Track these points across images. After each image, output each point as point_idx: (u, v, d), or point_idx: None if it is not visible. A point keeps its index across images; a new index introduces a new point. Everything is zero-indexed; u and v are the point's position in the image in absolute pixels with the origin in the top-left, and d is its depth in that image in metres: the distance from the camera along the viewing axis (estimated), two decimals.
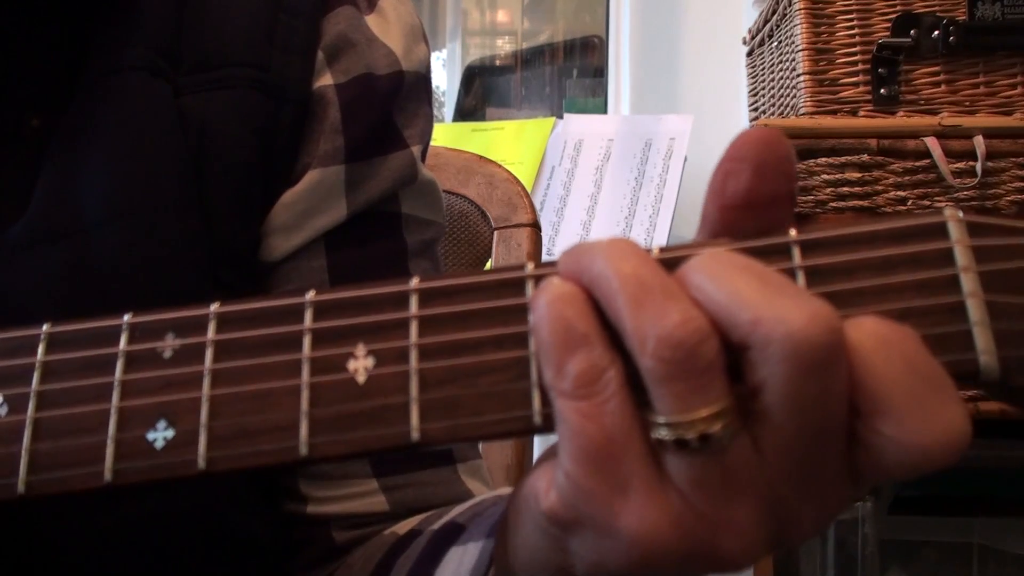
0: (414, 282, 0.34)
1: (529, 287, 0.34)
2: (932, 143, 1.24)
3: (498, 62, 2.59)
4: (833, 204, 1.24)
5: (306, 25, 0.61)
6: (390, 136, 0.63)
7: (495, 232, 1.00)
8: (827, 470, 0.31)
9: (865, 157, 1.25)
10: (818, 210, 1.24)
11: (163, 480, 0.34)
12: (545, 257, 1.16)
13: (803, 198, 1.24)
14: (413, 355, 0.33)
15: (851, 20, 1.31)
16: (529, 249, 0.99)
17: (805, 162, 1.25)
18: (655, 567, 0.31)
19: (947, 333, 0.31)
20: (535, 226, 1.00)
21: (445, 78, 2.66)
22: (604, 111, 2.15)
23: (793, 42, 1.35)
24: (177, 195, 0.55)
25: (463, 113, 2.48)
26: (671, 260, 0.33)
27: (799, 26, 1.32)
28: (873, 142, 1.25)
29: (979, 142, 1.23)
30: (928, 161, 1.25)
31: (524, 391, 0.33)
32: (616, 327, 0.31)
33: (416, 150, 0.64)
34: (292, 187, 0.60)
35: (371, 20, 0.64)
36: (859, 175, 1.25)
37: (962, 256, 0.32)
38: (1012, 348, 0.31)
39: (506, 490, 0.59)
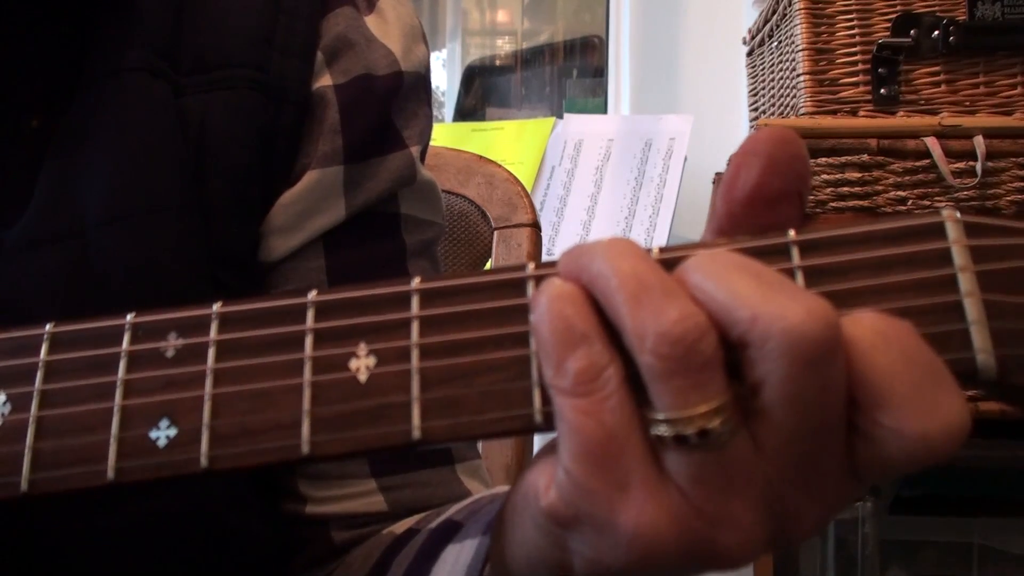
0: (415, 282, 0.34)
1: (530, 287, 0.34)
2: (932, 143, 1.24)
3: (498, 62, 2.59)
4: (833, 204, 1.25)
5: (305, 26, 0.61)
6: (389, 137, 0.63)
7: (495, 232, 1.00)
8: (827, 466, 0.31)
9: (865, 157, 1.25)
10: (818, 210, 1.25)
11: (166, 478, 0.34)
12: (545, 257, 1.16)
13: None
14: (414, 354, 0.33)
15: (851, 20, 1.31)
16: (529, 249, 0.99)
17: None
18: (654, 564, 0.31)
19: (945, 332, 0.31)
20: (535, 226, 1.00)
21: (445, 78, 2.66)
22: (604, 111, 2.15)
23: (793, 42, 1.35)
24: (176, 196, 0.55)
25: (463, 113, 2.48)
26: (671, 260, 0.33)
27: (799, 26, 1.32)
28: (873, 142, 1.25)
29: (979, 142, 1.23)
30: (928, 161, 1.25)
31: (525, 390, 0.33)
32: (615, 325, 0.32)
33: (415, 151, 0.64)
34: (291, 188, 0.60)
35: (370, 21, 0.64)
36: (859, 175, 1.25)
37: (959, 256, 0.32)
38: (1009, 347, 0.31)
39: (504, 488, 0.59)
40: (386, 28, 0.64)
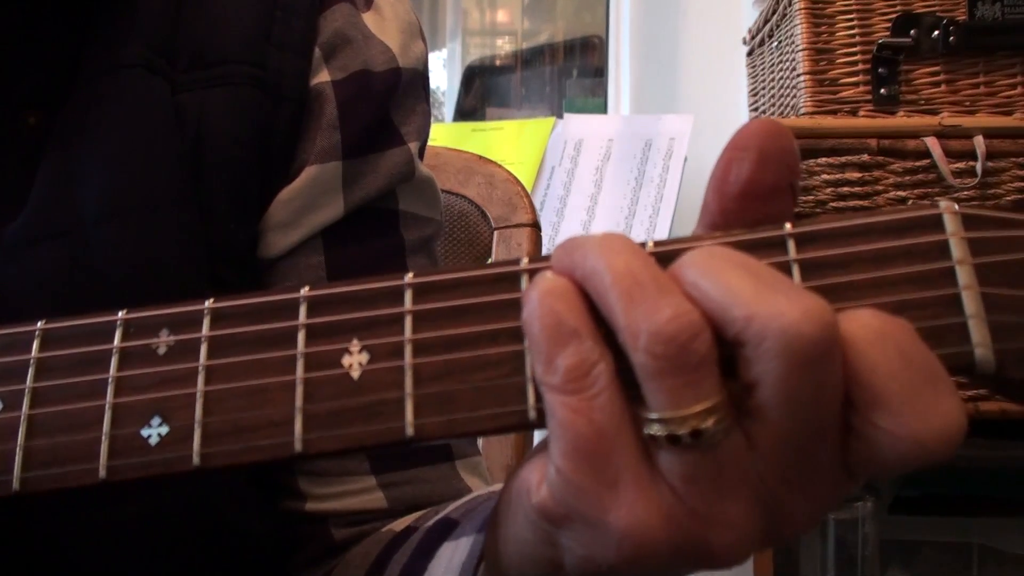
0: (408, 277, 0.34)
1: (524, 281, 0.34)
2: (932, 143, 1.24)
3: (498, 62, 2.59)
4: (833, 204, 1.24)
5: (303, 22, 0.61)
6: (387, 133, 0.63)
7: (495, 232, 1.00)
8: (821, 465, 0.31)
9: (865, 157, 1.25)
10: (818, 210, 1.24)
11: (158, 476, 0.34)
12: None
13: (803, 198, 1.24)
14: (407, 350, 0.33)
15: (851, 20, 1.31)
16: (529, 249, 0.99)
17: (805, 162, 1.24)
18: (645, 562, 0.31)
19: (943, 326, 0.31)
20: (535, 226, 1.00)
21: (445, 78, 2.66)
22: (604, 111, 2.15)
23: (793, 42, 1.35)
24: (175, 192, 0.55)
25: (463, 113, 2.48)
26: (666, 255, 0.33)
27: (799, 26, 1.32)
28: (873, 142, 1.25)
29: (979, 142, 1.23)
30: (928, 161, 1.25)
31: (519, 386, 0.33)
32: (609, 322, 0.31)
33: (413, 147, 0.64)
34: (289, 184, 0.60)
35: (368, 17, 0.64)
36: (859, 175, 1.25)
37: (957, 249, 0.32)
38: (1008, 341, 0.31)
39: (500, 486, 0.59)
40: (384, 25, 0.64)
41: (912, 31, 1.29)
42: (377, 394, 0.33)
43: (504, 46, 2.69)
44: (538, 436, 0.95)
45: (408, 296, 0.34)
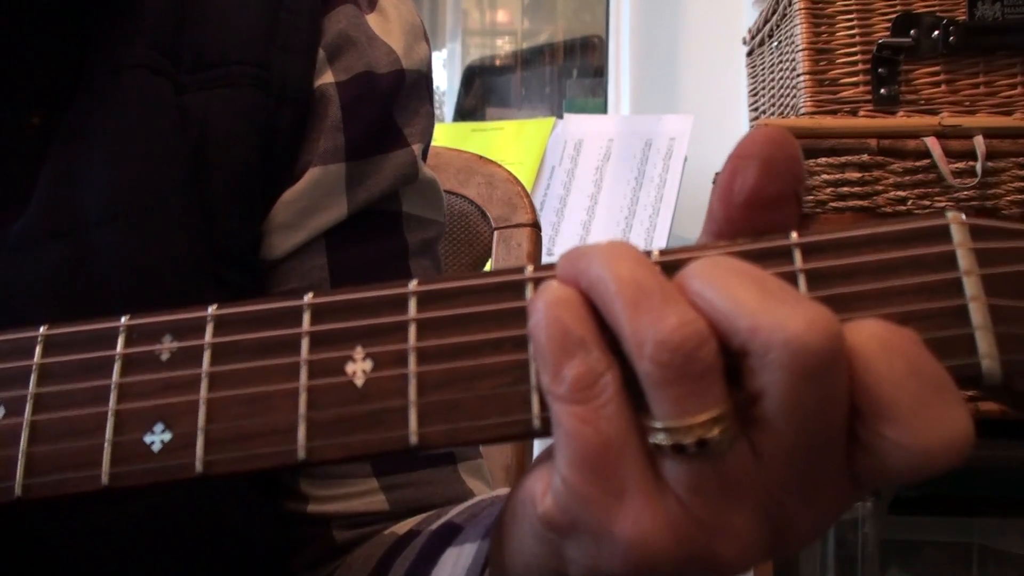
0: (412, 284, 0.34)
1: (528, 290, 0.33)
2: (932, 143, 1.24)
3: (498, 62, 2.59)
4: (833, 204, 1.24)
5: (307, 23, 0.61)
6: (391, 134, 0.63)
7: (495, 232, 1.00)
8: (826, 475, 0.31)
9: (865, 157, 1.25)
10: (818, 210, 1.24)
11: (160, 483, 0.34)
12: (545, 257, 1.16)
13: (803, 198, 1.24)
14: (412, 358, 0.33)
15: (851, 20, 1.31)
16: (529, 249, 0.99)
17: (805, 162, 1.24)
18: (651, 572, 0.31)
19: (949, 337, 0.31)
20: (535, 226, 1.00)
21: (445, 78, 2.66)
22: (604, 111, 2.15)
23: (793, 42, 1.35)
24: (178, 193, 0.55)
25: (463, 113, 2.48)
26: (671, 263, 0.33)
27: (799, 26, 1.32)
28: (873, 142, 1.25)
29: (979, 142, 1.23)
30: (928, 161, 1.24)
31: (523, 395, 0.32)
32: (614, 331, 0.31)
33: (417, 148, 0.64)
34: (293, 185, 0.60)
35: (372, 19, 0.64)
36: (859, 175, 1.25)
37: (964, 259, 0.31)
38: (1015, 352, 0.31)
39: (505, 491, 0.59)
40: (388, 26, 0.64)
41: (912, 31, 1.29)
42: (381, 402, 0.33)
43: (504, 46, 2.69)
44: (539, 441, 0.95)
45: (412, 304, 0.34)
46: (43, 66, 0.57)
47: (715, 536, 0.31)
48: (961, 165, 1.24)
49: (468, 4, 2.72)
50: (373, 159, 0.62)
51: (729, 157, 0.34)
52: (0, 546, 0.50)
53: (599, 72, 2.31)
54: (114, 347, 0.35)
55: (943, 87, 1.30)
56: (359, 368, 0.33)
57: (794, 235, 0.33)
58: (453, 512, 0.55)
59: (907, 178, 1.25)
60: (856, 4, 1.30)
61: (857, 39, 1.31)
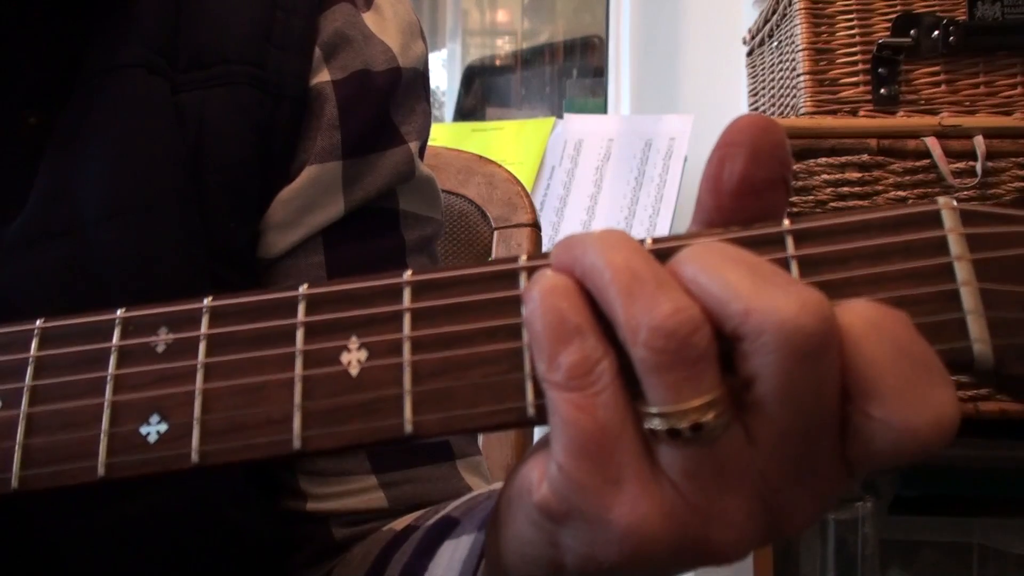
0: (407, 275, 0.34)
1: (522, 279, 0.34)
2: (932, 143, 1.24)
3: (498, 62, 2.59)
4: (833, 204, 1.24)
5: (303, 22, 0.61)
6: (387, 132, 0.63)
7: (495, 232, 1.00)
8: (820, 459, 0.31)
9: (865, 157, 1.25)
10: (818, 210, 1.24)
11: (156, 474, 0.34)
12: None
13: (803, 198, 1.24)
14: (406, 347, 0.33)
15: (851, 20, 1.31)
16: (529, 249, 0.99)
17: (805, 162, 1.24)
18: (646, 560, 0.31)
19: (941, 321, 0.31)
20: (535, 226, 1.00)
21: (445, 78, 2.66)
22: (604, 111, 2.15)
23: (793, 42, 1.35)
24: (175, 192, 0.55)
25: (463, 113, 2.48)
26: (665, 251, 0.33)
27: (799, 26, 1.32)
28: (873, 142, 1.25)
29: (979, 142, 1.23)
30: (928, 161, 1.24)
31: (517, 382, 0.33)
32: (609, 318, 0.31)
33: (413, 146, 0.64)
34: (290, 183, 0.60)
35: (368, 17, 0.64)
36: (859, 175, 1.25)
37: (956, 244, 0.32)
38: (1006, 336, 0.31)
39: (500, 485, 0.59)
40: (384, 24, 0.64)
41: (912, 31, 1.29)
42: (376, 391, 0.33)
43: (504, 46, 2.69)
44: (538, 434, 0.95)
45: (407, 294, 0.34)
46: (40, 65, 0.57)
47: (710, 522, 0.31)
48: (961, 165, 1.24)
49: (468, 4, 2.72)
50: (370, 157, 0.62)
51: (716, 146, 0.34)
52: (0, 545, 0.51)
53: (599, 72, 2.31)
54: (110, 339, 0.35)
55: (943, 87, 1.30)
56: (354, 358, 0.33)
57: (786, 222, 0.33)
58: (451, 507, 0.55)
59: (907, 178, 1.25)
60: (856, 4, 1.30)
61: (857, 39, 1.31)
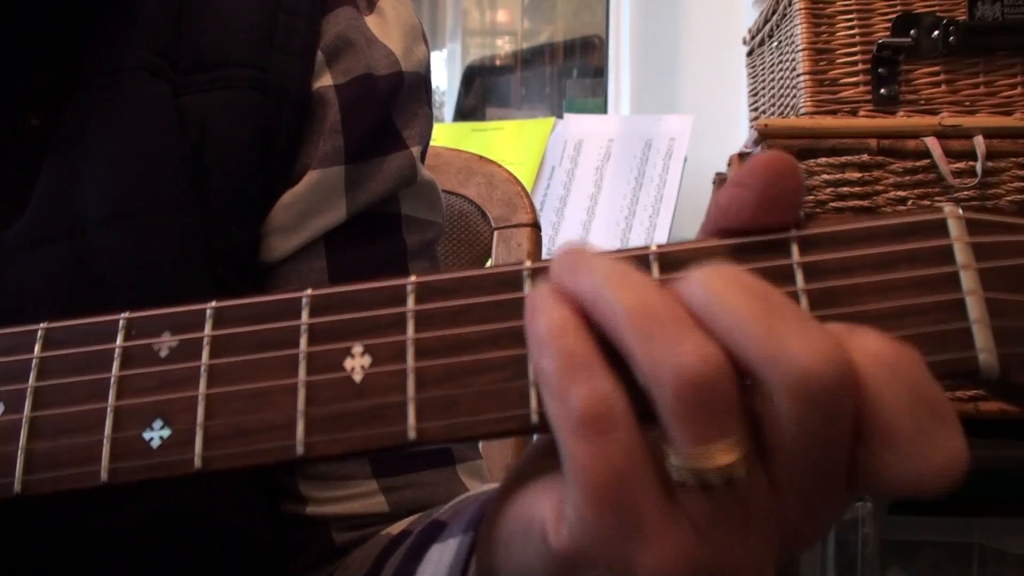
0: (411, 279, 0.34)
1: (527, 284, 0.33)
2: (932, 143, 1.24)
3: (498, 62, 2.59)
4: (833, 204, 1.24)
5: (306, 25, 0.61)
6: (390, 137, 0.63)
7: (495, 232, 1.00)
8: (830, 491, 0.31)
9: (865, 157, 1.25)
10: (818, 210, 1.24)
11: (159, 479, 0.34)
12: (545, 257, 1.16)
13: (803, 198, 1.24)
14: (410, 353, 0.33)
15: (851, 20, 1.31)
16: (529, 249, 0.99)
17: (805, 162, 1.24)
18: None
19: (946, 331, 0.31)
20: (535, 226, 1.00)
21: (445, 78, 2.65)
22: (604, 111, 2.15)
23: (793, 42, 1.35)
24: (177, 195, 0.55)
25: (463, 113, 2.48)
26: (671, 261, 0.33)
27: (799, 26, 1.31)
28: (873, 142, 1.25)
29: (979, 142, 1.23)
30: (928, 161, 1.24)
31: (521, 390, 0.32)
32: (624, 357, 0.31)
33: (416, 151, 0.64)
34: (292, 188, 0.60)
35: (371, 21, 0.64)
36: (859, 175, 1.25)
37: (961, 253, 0.31)
38: (1012, 346, 0.31)
39: (491, 487, 0.59)
40: (386, 28, 0.64)
41: (912, 31, 1.29)
42: (379, 397, 0.33)
43: (504, 46, 2.68)
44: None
45: (410, 298, 0.34)
46: (42, 67, 0.57)
47: (731, 560, 0.31)
48: (961, 165, 1.24)
49: (468, 4, 2.71)
50: (372, 162, 0.61)
51: (728, 181, 0.33)
52: (0, 547, 0.50)
53: (599, 72, 2.31)
54: (113, 342, 0.35)
55: (943, 87, 1.29)
56: (358, 364, 0.33)
57: (792, 229, 0.33)
58: (440, 511, 0.55)
59: (907, 178, 1.25)
60: (856, 4, 1.30)
61: (857, 39, 1.30)
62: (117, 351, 0.35)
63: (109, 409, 0.34)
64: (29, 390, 0.36)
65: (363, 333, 0.34)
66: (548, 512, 0.32)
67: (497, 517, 0.36)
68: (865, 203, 1.24)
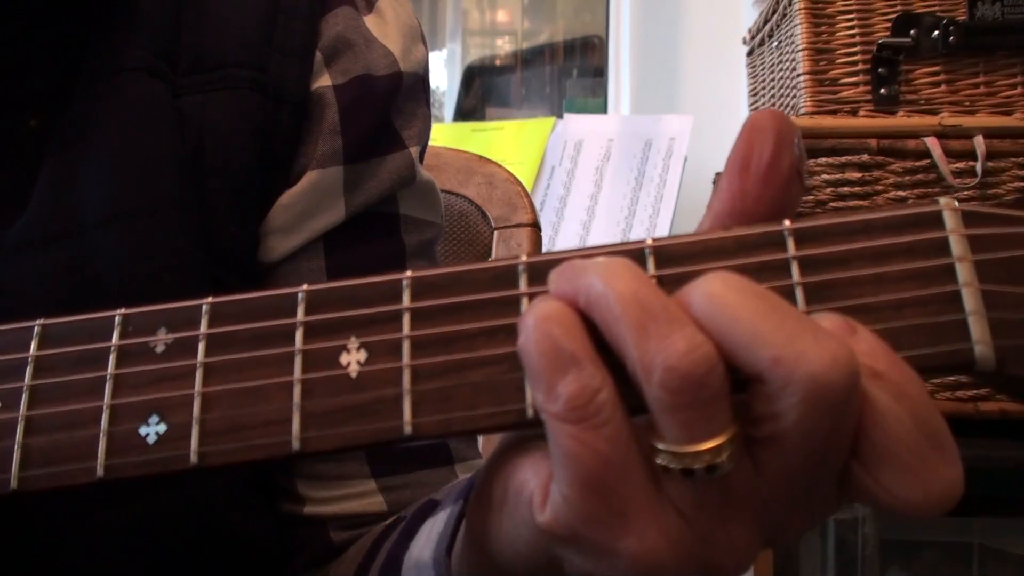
0: (407, 274, 0.34)
1: (522, 279, 0.33)
2: (932, 143, 1.24)
3: (498, 62, 2.59)
4: (833, 204, 1.24)
5: (304, 26, 0.61)
6: (388, 137, 0.63)
7: (495, 232, 1.00)
8: (821, 491, 0.32)
9: (865, 157, 1.25)
10: (818, 210, 1.24)
11: (155, 475, 0.34)
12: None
13: (803, 198, 1.24)
14: (405, 348, 0.33)
15: (851, 20, 1.31)
16: (529, 249, 0.99)
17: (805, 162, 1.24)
18: None
19: (942, 323, 0.31)
20: (535, 226, 1.00)
21: (445, 78, 2.65)
22: (604, 111, 2.15)
23: (793, 42, 1.35)
24: (175, 196, 0.55)
25: (463, 113, 2.48)
26: (666, 254, 0.33)
27: (799, 26, 1.32)
28: (873, 142, 1.25)
29: (979, 142, 1.23)
30: (928, 161, 1.24)
31: (517, 384, 0.32)
32: (617, 352, 0.31)
33: (414, 151, 0.64)
34: (290, 188, 0.60)
35: (369, 21, 0.64)
36: (859, 175, 1.25)
37: (957, 245, 0.31)
38: (1008, 337, 0.31)
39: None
40: (385, 28, 0.64)
41: (912, 31, 1.29)
42: (375, 392, 0.33)
43: (504, 46, 2.68)
44: None
45: (406, 293, 0.34)
46: (41, 68, 0.57)
47: (715, 547, 0.31)
48: (961, 165, 1.24)
49: (468, 4, 2.71)
50: (371, 162, 0.61)
51: (741, 133, 0.34)
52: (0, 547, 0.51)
53: (599, 72, 2.31)
54: (109, 339, 0.35)
55: (943, 87, 1.30)
56: (353, 358, 0.33)
57: (787, 222, 0.33)
58: (436, 493, 0.55)
59: (907, 178, 1.25)
60: (856, 4, 1.30)
61: (857, 39, 1.30)
62: (113, 348, 0.35)
63: (105, 405, 0.35)
64: (25, 387, 0.36)
65: (359, 328, 0.34)
66: (536, 487, 0.33)
67: (490, 480, 0.36)
68: (865, 203, 1.24)
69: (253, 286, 0.58)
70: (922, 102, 1.30)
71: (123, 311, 0.36)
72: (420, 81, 0.66)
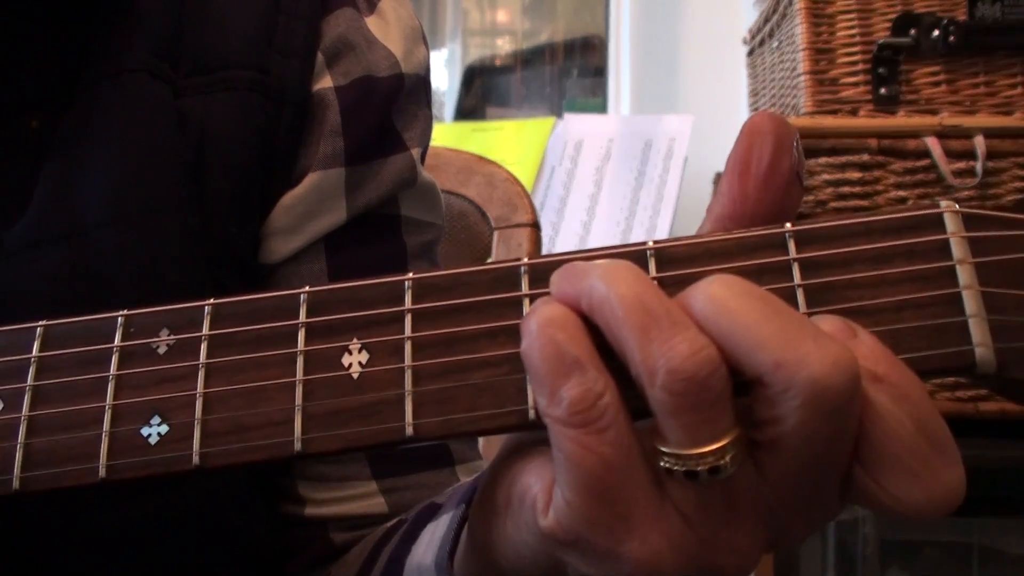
0: (408, 275, 0.34)
1: (523, 280, 0.34)
2: (932, 143, 1.24)
3: (498, 62, 2.59)
4: (833, 204, 1.24)
5: (306, 27, 0.61)
6: (390, 138, 0.63)
7: (495, 232, 1.00)
8: (823, 494, 0.32)
9: (865, 157, 1.25)
10: (818, 210, 1.25)
11: (157, 476, 0.34)
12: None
13: (804, 198, 1.24)
14: (407, 349, 0.33)
15: (851, 20, 1.31)
16: (529, 249, 0.99)
17: (805, 162, 1.25)
18: None
19: (943, 325, 0.31)
20: (535, 226, 1.00)
21: (445, 78, 2.65)
22: (604, 111, 2.15)
23: (793, 42, 1.35)
24: (177, 197, 0.55)
25: (463, 113, 2.47)
26: (667, 256, 0.33)
27: (799, 26, 1.32)
28: (873, 142, 1.25)
29: (979, 142, 1.23)
30: (928, 161, 1.25)
31: (518, 385, 0.33)
32: (620, 354, 0.31)
33: (416, 152, 0.64)
34: (292, 189, 0.59)
35: (371, 22, 0.64)
36: (859, 175, 1.25)
37: (958, 248, 0.32)
38: (1009, 340, 0.31)
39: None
40: (387, 29, 0.64)
41: (912, 31, 1.29)
42: (377, 393, 0.33)
43: (504, 46, 2.68)
44: None
45: (408, 295, 0.34)
46: (42, 69, 0.57)
47: (718, 550, 0.31)
48: (961, 165, 1.24)
49: (468, 4, 2.71)
50: (372, 164, 0.61)
51: (740, 136, 0.34)
52: (0, 546, 0.51)
53: (599, 72, 2.31)
54: (112, 340, 0.35)
55: (943, 87, 1.30)
56: (355, 360, 0.34)
57: (788, 224, 0.33)
58: (438, 496, 0.55)
59: (907, 178, 1.25)
60: (856, 4, 1.30)
61: (857, 39, 1.31)
62: (115, 349, 0.35)
63: (107, 406, 0.35)
64: (28, 388, 0.36)
65: (361, 330, 0.34)
66: (539, 491, 0.33)
67: (493, 484, 0.36)
68: (865, 203, 1.24)
69: (254, 287, 0.58)
70: (922, 102, 1.30)
71: (125, 312, 0.36)
72: (422, 82, 0.66)
